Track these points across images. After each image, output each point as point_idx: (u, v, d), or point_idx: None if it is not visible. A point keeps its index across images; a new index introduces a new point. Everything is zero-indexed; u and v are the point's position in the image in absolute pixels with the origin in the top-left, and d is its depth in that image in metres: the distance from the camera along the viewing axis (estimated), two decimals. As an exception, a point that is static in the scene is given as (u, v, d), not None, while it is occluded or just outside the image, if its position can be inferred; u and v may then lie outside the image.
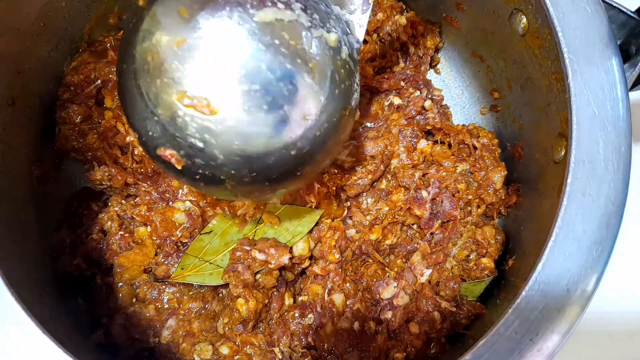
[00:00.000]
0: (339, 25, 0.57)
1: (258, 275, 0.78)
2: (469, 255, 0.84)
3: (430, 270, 0.84)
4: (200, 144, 0.50)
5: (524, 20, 0.77)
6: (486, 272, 0.82)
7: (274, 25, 0.50)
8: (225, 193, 0.57)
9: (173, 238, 0.84)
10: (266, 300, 0.79)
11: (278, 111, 0.50)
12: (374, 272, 0.88)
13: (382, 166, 0.89)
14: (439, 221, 0.86)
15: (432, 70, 1.05)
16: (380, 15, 0.93)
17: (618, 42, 0.68)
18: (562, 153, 0.69)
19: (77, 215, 0.87)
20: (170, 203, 0.85)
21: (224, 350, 0.77)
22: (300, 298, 0.84)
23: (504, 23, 0.82)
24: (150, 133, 0.51)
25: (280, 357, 0.78)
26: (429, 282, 0.84)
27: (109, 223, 0.86)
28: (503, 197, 0.86)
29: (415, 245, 0.88)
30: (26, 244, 0.74)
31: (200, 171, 0.52)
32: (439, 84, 1.04)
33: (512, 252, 0.83)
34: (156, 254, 0.85)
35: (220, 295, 0.84)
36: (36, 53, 0.81)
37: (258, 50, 0.48)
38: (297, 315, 0.81)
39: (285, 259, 0.77)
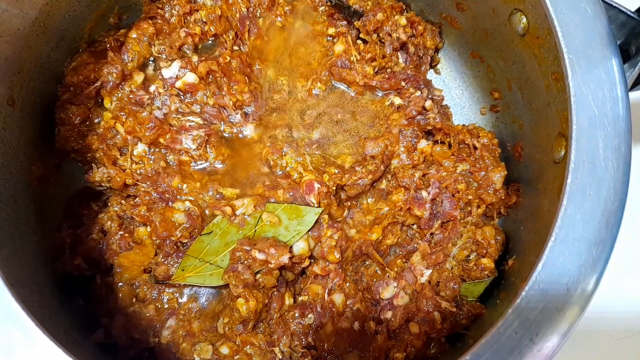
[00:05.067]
0: None
1: (258, 275, 0.78)
2: (469, 256, 0.84)
3: (430, 271, 0.84)
4: None
5: (524, 20, 0.77)
6: (486, 272, 0.82)
7: None
8: None
9: (173, 238, 0.84)
10: (266, 300, 0.79)
11: None
12: (374, 272, 0.88)
13: (382, 166, 0.89)
14: (439, 221, 0.86)
15: (432, 70, 1.05)
16: (380, 15, 0.93)
17: (618, 42, 0.68)
18: (562, 153, 0.69)
19: (77, 215, 0.87)
20: (170, 203, 0.85)
21: (224, 350, 0.77)
22: (300, 298, 0.84)
23: (503, 23, 0.82)
24: None
25: (280, 357, 0.78)
26: (429, 282, 0.84)
27: (109, 223, 0.86)
28: (503, 197, 0.86)
29: (415, 245, 0.88)
30: (26, 244, 0.74)
31: None
32: (439, 84, 1.04)
33: (512, 252, 0.83)
34: (156, 254, 0.85)
35: (220, 295, 0.84)
36: (36, 53, 0.81)
37: None
38: (297, 315, 0.81)
39: (285, 259, 0.77)
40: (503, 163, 0.88)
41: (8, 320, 0.57)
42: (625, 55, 0.70)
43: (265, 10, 0.97)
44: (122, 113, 0.85)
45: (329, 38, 0.99)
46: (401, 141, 0.90)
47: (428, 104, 0.92)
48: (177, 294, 0.84)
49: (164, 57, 0.91)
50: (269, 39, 0.98)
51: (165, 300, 0.84)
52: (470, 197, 0.86)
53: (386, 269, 0.87)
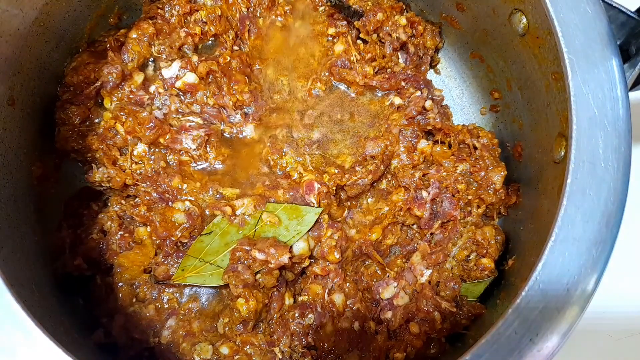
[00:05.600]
0: None
1: (258, 275, 0.78)
2: (469, 256, 0.84)
3: (430, 271, 0.84)
4: None
5: (524, 20, 0.77)
6: (486, 272, 0.82)
7: None
8: None
9: (173, 238, 0.84)
10: (266, 300, 0.79)
11: None
12: (374, 272, 0.88)
13: (382, 166, 0.89)
14: (439, 221, 0.86)
15: (432, 70, 1.05)
16: (380, 15, 0.93)
17: (618, 42, 0.68)
18: (562, 153, 0.69)
19: (77, 215, 0.87)
20: (170, 203, 0.85)
21: (224, 350, 0.77)
22: (300, 298, 0.84)
23: (504, 23, 0.82)
24: None
25: (280, 357, 0.78)
26: (429, 282, 0.84)
27: (109, 223, 0.86)
28: (503, 197, 0.86)
29: (415, 245, 0.88)
30: (26, 244, 0.74)
31: None
32: (439, 84, 1.04)
33: (512, 252, 0.83)
34: (156, 254, 0.85)
35: (221, 295, 0.84)
36: (36, 53, 0.81)
37: None
38: (297, 315, 0.81)
39: (285, 259, 0.77)
40: (503, 163, 0.88)
41: (8, 320, 0.57)
42: (625, 55, 0.70)
43: (265, 10, 0.97)
44: (122, 113, 0.85)
45: (329, 38, 0.99)
46: (401, 141, 0.90)
47: (428, 104, 0.92)
48: (177, 294, 0.84)
49: (164, 57, 0.91)
50: (269, 38, 0.98)
51: (165, 300, 0.84)
52: (470, 197, 0.86)
53: (386, 269, 0.87)
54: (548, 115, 0.75)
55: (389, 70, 0.97)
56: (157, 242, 0.85)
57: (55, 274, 0.81)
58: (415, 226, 0.90)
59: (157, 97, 0.89)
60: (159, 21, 0.92)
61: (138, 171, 0.87)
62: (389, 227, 0.88)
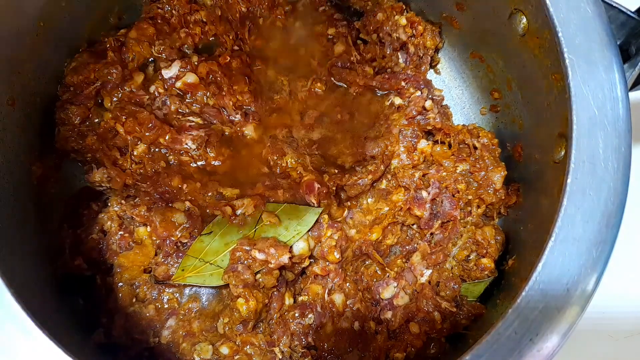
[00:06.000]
0: None
1: (258, 275, 0.78)
2: (469, 256, 0.84)
3: (430, 271, 0.84)
4: None
5: (524, 20, 0.77)
6: (486, 272, 0.82)
7: None
8: None
9: (173, 238, 0.83)
10: (266, 300, 0.79)
11: None
12: (374, 272, 0.88)
13: (382, 166, 0.89)
14: (439, 221, 0.86)
15: (432, 70, 1.05)
16: (380, 16, 0.93)
17: (618, 42, 0.68)
18: (562, 153, 0.69)
19: (77, 215, 0.87)
20: (170, 203, 0.85)
21: (224, 350, 0.77)
22: (300, 298, 0.84)
23: (504, 23, 0.82)
24: None
25: (280, 357, 0.78)
26: (429, 282, 0.84)
27: (109, 223, 0.86)
28: (503, 197, 0.86)
29: (415, 245, 0.88)
30: (26, 244, 0.74)
31: None
32: (439, 84, 1.04)
33: (512, 252, 0.83)
34: (156, 254, 0.85)
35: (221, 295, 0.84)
36: (36, 53, 0.81)
37: None
38: (297, 315, 0.81)
39: (285, 259, 0.77)
40: (503, 163, 0.88)
41: (8, 320, 0.57)
42: (625, 55, 0.70)
43: (265, 10, 0.97)
44: (122, 113, 0.85)
45: (329, 38, 0.99)
46: (401, 141, 0.90)
47: (428, 104, 0.92)
48: (177, 294, 0.84)
49: (164, 57, 0.91)
50: (269, 39, 0.98)
51: (165, 300, 0.84)
52: (470, 197, 0.86)
53: (386, 269, 0.87)
54: (548, 115, 0.75)
55: (389, 70, 0.97)
56: (157, 242, 0.85)
57: (55, 274, 0.81)
58: (415, 226, 0.90)
59: (157, 97, 0.89)
60: (159, 21, 0.92)
61: (138, 171, 0.87)
62: (389, 227, 0.88)
